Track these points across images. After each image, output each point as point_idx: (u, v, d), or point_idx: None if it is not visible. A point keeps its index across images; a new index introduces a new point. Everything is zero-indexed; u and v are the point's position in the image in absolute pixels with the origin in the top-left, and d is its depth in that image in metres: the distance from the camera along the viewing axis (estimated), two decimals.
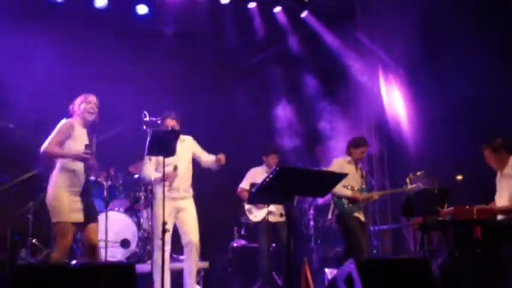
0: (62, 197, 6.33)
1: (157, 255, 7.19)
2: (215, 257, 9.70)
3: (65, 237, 6.30)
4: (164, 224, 6.65)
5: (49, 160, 6.44)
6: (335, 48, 11.14)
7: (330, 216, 8.75)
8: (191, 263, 7.59)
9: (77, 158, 6.37)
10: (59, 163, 6.44)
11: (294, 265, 8.12)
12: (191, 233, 7.53)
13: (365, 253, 8.28)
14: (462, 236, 7.55)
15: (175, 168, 7.46)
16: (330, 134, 10.72)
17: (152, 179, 7.39)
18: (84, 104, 6.61)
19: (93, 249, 6.50)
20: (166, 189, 7.14)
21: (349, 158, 8.58)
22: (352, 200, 8.35)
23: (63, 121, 6.51)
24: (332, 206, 8.56)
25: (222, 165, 7.56)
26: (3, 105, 8.55)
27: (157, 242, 7.17)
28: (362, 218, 8.49)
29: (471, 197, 7.96)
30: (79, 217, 6.35)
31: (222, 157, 7.51)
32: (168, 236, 7.05)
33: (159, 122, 7.35)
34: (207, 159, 7.75)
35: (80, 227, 6.43)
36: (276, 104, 10.76)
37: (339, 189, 8.27)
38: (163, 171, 6.84)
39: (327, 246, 10.13)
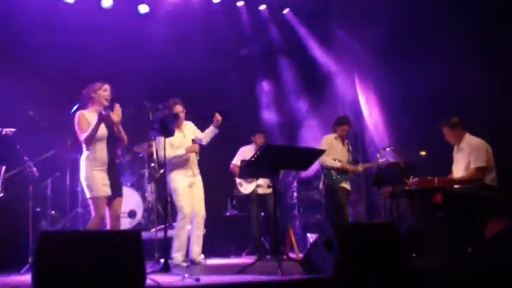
0: (93, 175, 6.42)
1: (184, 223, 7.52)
2: (211, 224, 9.78)
3: (99, 210, 6.40)
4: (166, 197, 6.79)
5: (88, 144, 6.47)
6: (311, 42, 11.17)
7: (320, 186, 8.86)
8: (199, 233, 7.78)
9: (100, 120, 6.41)
10: (85, 148, 6.51)
11: (280, 231, 8.25)
12: (201, 206, 7.71)
13: (347, 220, 8.42)
14: (425, 202, 7.64)
15: (193, 141, 7.70)
16: (307, 115, 10.84)
17: (171, 158, 7.49)
18: (102, 91, 6.67)
19: (117, 219, 6.62)
20: (182, 167, 7.31)
21: (335, 135, 8.74)
22: (341, 171, 8.50)
23: (79, 113, 6.57)
24: (322, 177, 8.70)
25: (220, 124, 7.73)
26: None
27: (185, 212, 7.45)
28: (348, 187, 8.65)
29: (432, 169, 8.04)
30: (107, 191, 6.43)
31: (217, 116, 7.68)
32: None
33: (160, 107, 7.42)
34: (206, 135, 7.87)
35: (108, 200, 6.50)
36: (261, 89, 10.84)
37: (329, 161, 8.45)
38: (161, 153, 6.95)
39: (308, 214, 10.21)
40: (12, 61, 8.65)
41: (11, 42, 8.82)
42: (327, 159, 8.45)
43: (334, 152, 8.58)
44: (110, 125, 6.55)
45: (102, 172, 6.46)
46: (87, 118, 6.52)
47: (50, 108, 8.33)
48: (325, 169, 8.58)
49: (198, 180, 7.87)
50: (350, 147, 8.87)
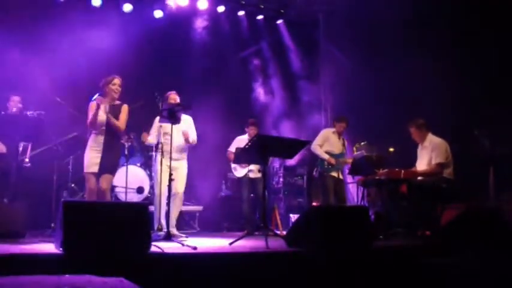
0: (87, 154, 6.66)
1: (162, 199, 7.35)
2: (208, 203, 9.80)
3: (88, 183, 6.59)
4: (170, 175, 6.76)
5: (94, 128, 6.65)
6: (296, 47, 11.17)
7: (314, 173, 8.98)
8: (176, 209, 7.70)
9: (98, 104, 6.59)
10: (89, 131, 6.75)
11: (267, 210, 8.27)
12: (180, 186, 7.64)
13: (329, 203, 8.47)
14: (392, 191, 7.69)
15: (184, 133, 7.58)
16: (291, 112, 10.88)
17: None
18: (110, 85, 6.72)
19: (102, 193, 6.62)
20: (166, 152, 7.28)
21: (333, 129, 8.84)
22: (329, 163, 8.55)
23: (91, 103, 6.70)
24: (316, 166, 8.82)
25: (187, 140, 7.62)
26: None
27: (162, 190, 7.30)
28: (339, 175, 8.70)
29: (399, 162, 8.09)
30: (95, 169, 6.56)
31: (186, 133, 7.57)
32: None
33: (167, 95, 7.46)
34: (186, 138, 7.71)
35: (96, 176, 6.60)
36: (256, 86, 10.84)
37: (319, 151, 8.57)
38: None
39: (291, 197, 10.23)
40: (46, 58, 8.62)
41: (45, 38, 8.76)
42: (317, 148, 8.57)
43: (328, 144, 8.69)
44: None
45: (97, 152, 6.59)
46: (93, 108, 6.65)
47: (75, 96, 8.32)
48: (319, 159, 8.67)
49: (182, 165, 7.72)
50: (345, 142, 8.91)
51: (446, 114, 8.30)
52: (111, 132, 6.71)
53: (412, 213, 7.36)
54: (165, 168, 7.16)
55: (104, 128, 6.66)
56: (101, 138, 6.64)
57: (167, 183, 6.82)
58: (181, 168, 7.66)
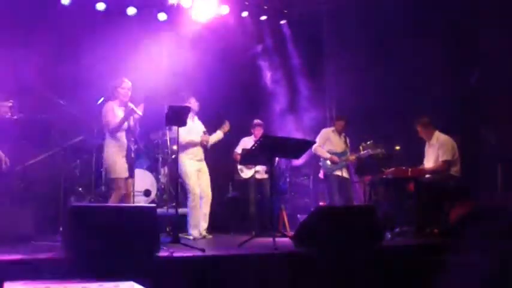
0: (116, 159, 6.57)
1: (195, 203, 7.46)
2: (214, 204, 9.77)
3: (120, 188, 6.56)
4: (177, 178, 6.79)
5: (115, 132, 6.63)
6: (300, 46, 11.11)
7: (320, 175, 8.98)
8: (206, 212, 7.79)
9: (128, 115, 6.60)
10: (109, 135, 6.64)
11: (274, 211, 8.27)
12: (208, 189, 7.73)
13: (335, 203, 8.44)
14: (400, 189, 7.68)
15: (204, 132, 7.69)
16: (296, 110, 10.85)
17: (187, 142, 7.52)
18: (120, 89, 6.72)
19: (128, 197, 6.75)
20: (192, 152, 7.33)
21: (333, 128, 8.81)
22: (332, 161, 8.53)
23: (107, 104, 6.68)
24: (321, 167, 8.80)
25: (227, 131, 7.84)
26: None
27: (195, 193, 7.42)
28: (343, 174, 8.64)
29: (406, 161, 8.09)
30: (126, 173, 6.57)
31: (227, 124, 7.79)
32: None
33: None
34: (213, 137, 7.85)
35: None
36: (262, 87, 10.79)
37: (321, 151, 8.55)
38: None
39: (298, 198, 10.20)
40: (51, 61, 8.62)
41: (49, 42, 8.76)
42: (319, 149, 8.54)
43: (329, 143, 8.66)
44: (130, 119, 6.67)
45: (123, 157, 6.58)
46: (113, 109, 6.62)
47: (80, 100, 8.35)
48: (321, 159, 8.66)
49: (204, 166, 7.86)
50: (347, 139, 8.86)
51: (453, 112, 8.28)
52: (129, 136, 6.75)
53: (420, 211, 7.34)
54: (193, 168, 7.22)
55: (124, 133, 6.68)
56: (124, 142, 6.66)
57: (195, 184, 6.93)
58: (205, 170, 7.73)
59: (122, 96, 6.73)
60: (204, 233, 7.63)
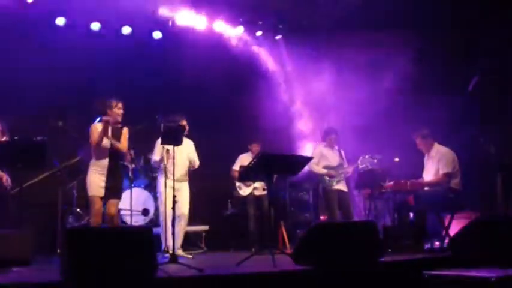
0: (92, 177, 6.65)
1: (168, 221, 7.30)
2: (213, 222, 9.73)
3: (94, 206, 6.59)
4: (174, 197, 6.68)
5: (96, 150, 6.68)
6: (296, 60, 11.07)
7: (320, 191, 8.82)
8: (182, 230, 7.76)
9: (105, 126, 6.63)
10: (92, 154, 6.73)
11: (273, 228, 8.22)
12: (184, 208, 7.69)
13: (335, 218, 8.37)
14: (399, 203, 7.63)
15: (167, 151, 7.50)
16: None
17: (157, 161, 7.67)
18: (115, 109, 6.75)
19: (111, 219, 6.70)
20: (168, 173, 7.26)
21: (325, 143, 8.72)
22: (329, 176, 8.48)
23: (93, 125, 6.75)
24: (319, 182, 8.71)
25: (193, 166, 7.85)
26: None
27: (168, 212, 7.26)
28: (342, 187, 8.53)
29: (405, 173, 8.05)
30: (101, 192, 6.58)
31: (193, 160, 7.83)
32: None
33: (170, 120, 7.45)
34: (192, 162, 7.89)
35: (103, 200, 6.64)
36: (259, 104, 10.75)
37: (316, 169, 8.47)
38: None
39: (298, 213, 10.15)
40: (46, 83, 8.61)
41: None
42: (314, 167, 8.45)
43: (324, 159, 8.55)
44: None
45: (101, 176, 6.62)
46: (98, 130, 6.67)
47: (76, 120, 8.35)
48: (318, 175, 8.60)
49: (185, 186, 7.82)
50: (341, 152, 8.80)
51: (452, 123, 8.27)
52: (114, 157, 6.78)
53: (420, 224, 7.29)
54: (169, 190, 7.13)
55: (106, 151, 6.69)
56: (105, 162, 6.68)
57: (172, 204, 6.78)
58: (184, 190, 7.70)
59: (117, 116, 6.79)
60: (179, 251, 7.47)
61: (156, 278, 4.71)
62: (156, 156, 7.75)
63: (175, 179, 6.94)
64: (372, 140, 9.19)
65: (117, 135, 6.81)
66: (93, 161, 6.73)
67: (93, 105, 6.89)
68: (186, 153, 7.79)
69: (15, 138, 7.42)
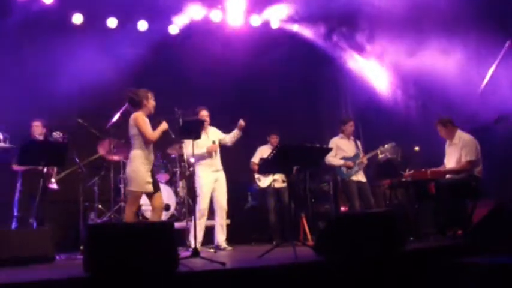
0: (140, 171, 6.31)
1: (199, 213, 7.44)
2: (234, 215, 9.73)
3: (136, 203, 6.45)
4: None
5: (149, 144, 6.44)
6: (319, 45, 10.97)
7: (339, 182, 8.81)
8: (222, 222, 7.88)
9: (165, 128, 6.55)
10: (140, 146, 6.38)
11: (294, 220, 8.20)
12: (223, 200, 7.83)
13: (355, 209, 8.33)
14: (420, 192, 7.56)
15: (213, 142, 7.75)
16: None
17: (193, 156, 7.37)
18: (151, 100, 6.58)
19: (160, 211, 6.61)
20: (207, 163, 7.25)
21: (341, 135, 8.67)
22: (347, 167, 8.44)
23: (138, 115, 6.42)
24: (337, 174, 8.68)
25: (244, 129, 7.79)
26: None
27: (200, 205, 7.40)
28: (361, 178, 8.48)
29: (426, 162, 7.99)
30: (150, 188, 6.37)
31: (242, 122, 7.75)
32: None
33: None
34: (231, 137, 7.94)
35: (149, 195, 6.51)
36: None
37: (333, 160, 8.41)
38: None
39: (318, 205, 10.11)
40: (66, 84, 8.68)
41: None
42: (331, 159, 8.38)
43: (341, 151, 8.51)
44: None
45: (148, 170, 6.37)
46: (145, 119, 6.45)
47: (96, 118, 8.41)
48: (336, 167, 8.56)
49: (221, 176, 7.87)
50: (357, 142, 8.75)
51: (471, 109, 8.16)
52: (154, 150, 6.64)
53: (442, 213, 7.23)
54: (208, 180, 7.17)
55: (152, 146, 6.53)
56: (151, 156, 6.48)
57: (207, 199, 6.89)
58: (221, 180, 7.81)
59: (152, 108, 6.57)
60: (223, 244, 7.62)
61: (178, 272, 4.72)
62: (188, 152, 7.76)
63: (212, 170, 7.23)
64: (392, 128, 9.15)
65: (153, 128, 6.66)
66: (140, 153, 6.35)
67: (125, 94, 6.60)
68: (217, 139, 7.94)
69: (38, 136, 7.55)
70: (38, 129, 7.81)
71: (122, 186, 8.68)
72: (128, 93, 6.54)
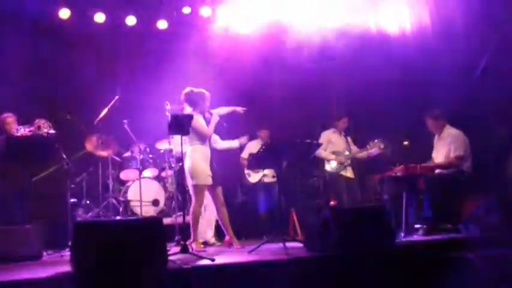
0: (201, 165, 6.58)
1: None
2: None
3: (201, 196, 6.63)
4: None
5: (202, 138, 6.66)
6: None
7: (327, 177, 8.86)
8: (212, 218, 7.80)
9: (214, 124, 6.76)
10: (200, 142, 6.65)
11: (284, 215, 8.17)
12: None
13: (344, 204, 8.34)
14: (410, 187, 7.54)
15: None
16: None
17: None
18: (206, 102, 6.78)
19: (222, 205, 6.88)
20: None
21: (333, 129, 8.71)
22: (338, 162, 8.43)
23: (195, 117, 6.54)
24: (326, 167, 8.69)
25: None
26: None
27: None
28: (349, 174, 8.56)
29: (414, 156, 8.00)
30: (210, 180, 6.59)
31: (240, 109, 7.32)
32: None
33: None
34: (226, 144, 7.68)
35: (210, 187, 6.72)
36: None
37: (324, 154, 8.44)
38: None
39: (308, 200, 10.11)
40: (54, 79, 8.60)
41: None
42: (322, 153, 8.43)
43: (332, 145, 8.55)
44: None
45: (207, 164, 6.63)
46: (199, 118, 6.68)
47: (84, 113, 8.35)
48: (326, 161, 8.57)
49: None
50: (348, 138, 8.76)
51: (461, 104, 8.17)
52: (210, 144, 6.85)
53: (431, 208, 7.22)
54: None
55: (208, 140, 6.76)
56: (208, 150, 6.70)
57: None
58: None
59: (205, 107, 6.79)
60: (211, 240, 7.56)
61: (167, 269, 4.68)
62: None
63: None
64: (381, 123, 9.14)
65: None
66: (198, 148, 6.64)
67: (188, 93, 6.77)
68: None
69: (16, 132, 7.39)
70: (14, 125, 7.53)
71: (110, 182, 8.61)
72: (186, 91, 6.78)
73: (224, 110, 7.12)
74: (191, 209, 6.60)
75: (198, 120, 6.64)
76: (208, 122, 6.73)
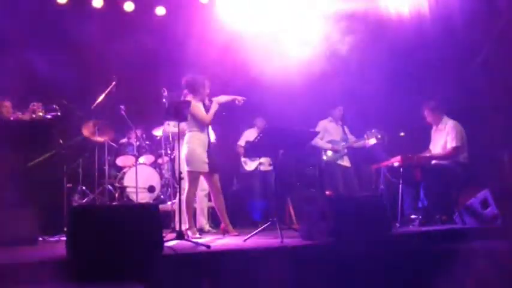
0: (198, 151, 6.56)
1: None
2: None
3: (194, 183, 6.62)
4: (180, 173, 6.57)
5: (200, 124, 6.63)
6: None
7: (323, 164, 8.88)
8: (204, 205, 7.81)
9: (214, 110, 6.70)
10: (193, 128, 6.63)
11: (280, 203, 8.17)
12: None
13: (340, 193, 8.37)
14: (406, 177, 7.55)
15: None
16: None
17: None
18: (207, 89, 6.77)
19: (218, 192, 6.84)
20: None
21: (330, 118, 8.80)
22: (334, 151, 8.43)
23: (194, 103, 6.53)
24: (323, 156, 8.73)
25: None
26: None
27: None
28: (346, 163, 8.65)
29: (411, 146, 8.00)
30: (205, 167, 6.56)
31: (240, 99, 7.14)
32: None
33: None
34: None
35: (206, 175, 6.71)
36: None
37: (321, 143, 8.50)
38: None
39: (305, 188, 10.11)
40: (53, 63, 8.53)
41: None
42: (319, 141, 8.49)
43: (328, 134, 8.61)
44: None
45: (204, 150, 6.59)
46: (198, 105, 6.66)
47: (81, 99, 8.30)
48: (323, 150, 8.60)
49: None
50: (345, 128, 8.78)
51: (458, 96, 8.15)
52: (208, 132, 6.82)
53: (428, 198, 7.24)
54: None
55: (206, 127, 6.74)
56: (206, 138, 6.68)
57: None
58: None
59: (204, 95, 6.76)
60: (206, 227, 7.55)
61: (162, 255, 4.67)
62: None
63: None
64: (377, 114, 9.12)
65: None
66: (195, 135, 6.62)
67: (188, 79, 6.76)
68: None
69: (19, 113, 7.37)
70: (10, 109, 7.49)
71: (106, 168, 8.59)
72: (186, 78, 6.75)
73: (224, 98, 7.02)
74: (184, 196, 6.50)
75: (198, 107, 6.62)
76: (208, 110, 6.69)
